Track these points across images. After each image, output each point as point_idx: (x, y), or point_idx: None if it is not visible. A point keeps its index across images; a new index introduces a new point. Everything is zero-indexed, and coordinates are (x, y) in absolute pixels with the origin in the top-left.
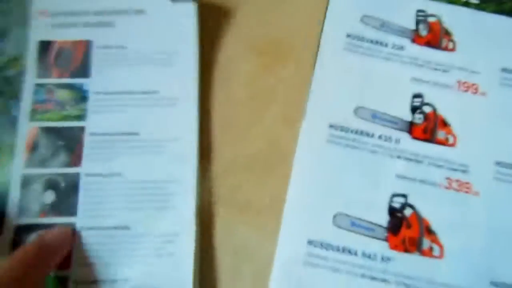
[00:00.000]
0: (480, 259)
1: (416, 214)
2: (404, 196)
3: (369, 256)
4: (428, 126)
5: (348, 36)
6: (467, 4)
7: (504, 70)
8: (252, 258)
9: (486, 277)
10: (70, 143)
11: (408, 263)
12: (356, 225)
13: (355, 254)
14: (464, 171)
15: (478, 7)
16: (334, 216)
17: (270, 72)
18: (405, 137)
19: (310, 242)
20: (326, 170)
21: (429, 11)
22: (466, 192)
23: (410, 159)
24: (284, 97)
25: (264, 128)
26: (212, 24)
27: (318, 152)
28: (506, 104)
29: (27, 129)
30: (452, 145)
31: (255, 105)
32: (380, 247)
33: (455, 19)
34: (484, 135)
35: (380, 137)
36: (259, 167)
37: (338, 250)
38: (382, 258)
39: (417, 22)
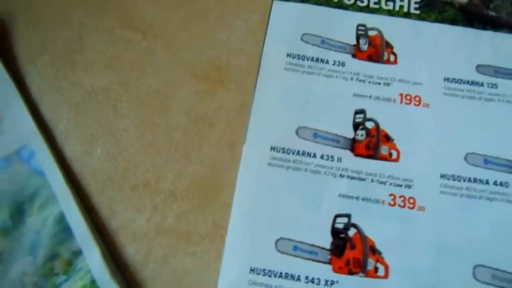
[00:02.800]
0: (427, 276)
1: (360, 233)
2: (347, 216)
3: (312, 281)
4: (371, 142)
5: (289, 55)
6: (408, 15)
7: (447, 79)
8: (195, 287)
9: None
10: None
11: (352, 286)
12: (299, 249)
13: (298, 279)
14: (408, 186)
15: (419, 17)
16: (277, 241)
17: (210, 96)
18: (347, 155)
19: (252, 270)
20: (267, 194)
21: (370, 25)
22: (411, 208)
23: (352, 177)
24: (226, 121)
25: (205, 153)
26: (150, 52)
27: (260, 176)
28: (450, 114)
29: None
30: (396, 160)
31: (195, 131)
32: (324, 271)
33: (396, 31)
34: (428, 147)
35: (322, 156)
36: (200, 194)
37: (281, 276)
38: (326, 282)
39: (358, 37)
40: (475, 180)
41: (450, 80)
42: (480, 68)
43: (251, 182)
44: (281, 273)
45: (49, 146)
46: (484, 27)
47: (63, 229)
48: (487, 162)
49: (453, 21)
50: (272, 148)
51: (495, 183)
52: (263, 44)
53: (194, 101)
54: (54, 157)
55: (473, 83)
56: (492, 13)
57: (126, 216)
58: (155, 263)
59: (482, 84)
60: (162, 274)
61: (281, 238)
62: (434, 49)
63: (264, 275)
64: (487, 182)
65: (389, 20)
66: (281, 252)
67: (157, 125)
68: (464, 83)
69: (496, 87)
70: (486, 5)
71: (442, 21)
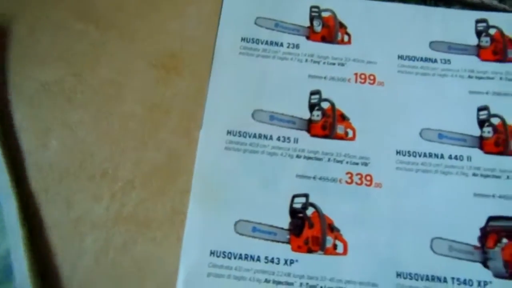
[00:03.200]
0: (385, 251)
1: (318, 212)
2: (305, 195)
3: (272, 261)
4: (326, 122)
5: (243, 39)
6: None
7: (401, 57)
8: (156, 273)
9: (391, 268)
10: None
11: (311, 264)
12: (258, 230)
13: (258, 260)
14: (365, 164)
15: None
16: (236, 224)
17: (166, 84)
18: (304, 135)
19: (212, 253)
20: (225, 178)
21: (323, 6)
22: (368, 185)
23: (309, 158)
24: (181, 108)
25: (162, 141)
26: (103, 42)
27: (217, 161)
28: (404, 91)
29: None
30: (352, 138)
31: (151, 119)
32: (283, 250)
33: (349, 11)
34: (384, 125)
35: (278, 138)
36: (159, 180)
37: (240, 257)
38: (286, 261)
39: (311, 19)
40: (430, 155)
41: (404, 57)
42: (433, 45)
43: (208, 166)
44: (240, 254)
45: (9, 171)
46: (436, 4)
47: (4, 269)
48: (442, 136)
49: (405, 0)
50: (229, 132)
51: (449, 157)
52: (217, 30)
53: (149, 89)
54: (12, 182)
55: (426, 59)
56: None
57: (85, 206)
58: (115, 251)
59: (435, 61)
60: (122, 262)
61: (240, 220)
62: (387, 28)
63: (224, 257)
64: (442, 156)
65: (342, 1)
66: (240, 234)
67: (112, 114)
68: (417, 60)
69: (450, 63)
70: None
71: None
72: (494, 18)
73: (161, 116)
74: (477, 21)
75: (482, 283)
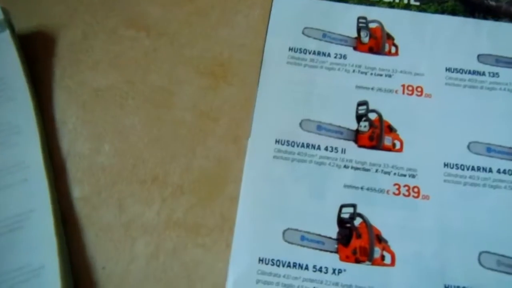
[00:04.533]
0: (432, 263)
1: (365, 223)
2: (353, 206)
3: (320, 270)
4: (374, 133)
5: (291, 49)
6: (408, 7)
7: (448, 69)
8: (205, 279)
9: (439, 281)
10: None
11: (359, 274)
12: (306, 239)
13: (306, 268)
14: (412, 176)
15: (419, 8)
16: (284, 232)
17: (214, 92)
18: (351, 146)
19: (261, 260)
20: (274, 186)
21: (370, 17)
22: (415, 197)
23: (357, 168)
24: (230, 116)
25: (210, 148)
26: (154, 49)
27: (265, 169)
28: (452, 104)
29: None
30: (399, 150)
31: (200, 126)
32: (331, 260)
33: (397, 23)
34: (431, 137)
35: (326, 148)
36: (208, 187)
37: (289, 265)
38: (334, 271)
39: (359, 29)
40: (478, 169)
41: (452, 70)
42: (481, 58)
43: (257, 174)
44: (289, 262)
45: (49, 181)
46: (484, 17)
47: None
48: (490, 150)
49: (453, 12)
50: (277, 141)
51: (498, 171)
52: (265, 39)
53: (198, 96)
54: (51, 194)
55: (474, 72)
56: (492, 3)
57: (136, 210)
58: (166, 255)
59: (483, 74)
60: (173, 266)
61: (288, 229)
62: (435, 40)
63: (272, 265)
64: (490, 170)
65: (390, 12)
66: (289, 242)
67: (162, 121)
68: (465, 72)
69: (498, 76)
70: None
71: (442, 12)
72: None
73: (210, 123)
74: None
75: None
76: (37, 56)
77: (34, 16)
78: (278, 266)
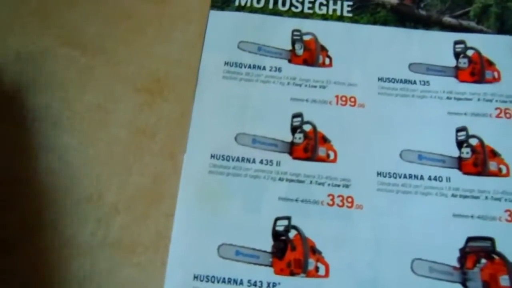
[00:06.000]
0: (367, 272)
1: (300, 235)
2: (287, 218)
3: (254, 284)
4: (308, 145)
5: (226, 63)
6: (341, 18)
7: (381, 79)
8: None
9: None
10: None
11: (294, 287)
12: (241, 254)
13: (241, 283)
14: (346, 186)
15: (352, 20)
16: (219, 247)
17: (150, 108)
18: (286, 158)
19: (196, 277)
20: (209, 202)
21: (304, 30)
22: (349, 207)
23: (292, 180)
24: (166, 132)
25: (146, 165)
26: (89, 68)
27: (201, 184)
28: (384, 113)
29: None
30: (333, 161)
31: (136, 143)
32: (266, 274)
33: (330, 34)
34: (365, 147)
35: (261, 161)
36: (143, 204)
37: (223, 281)
38: (268, 285)
39: (293, 42)
40: (410, 176)
41: (384, 79)
42: (412, 67)
43: (192, 190)
44: (224, 278)
45: None
46: (415, 26)
47: None
48: (422, 157)
49: (385, 22)
50: (212, 156)
51: (429, 178)
52: (201, 54)
53: (134, 113)
54: None
55: (406, 81)
56: (423, 12)
57: (70, 232)
58: (100, 277)
59: (414, 82)
60: (107, 287)
61: (223, 244)
62: (368, 50)
63: (207, 281)
64: (421, 178)
65: (323, 24)
66: (224, 258)
67: (98, 139)
68: (397, 82)
69: (429, 84)
70: (417, 4)
71: (374, 22)
72: (472, 40)
73: (146, 140)
74: (455, 43)
75: None
76: None
77: None
78: (213, 282)
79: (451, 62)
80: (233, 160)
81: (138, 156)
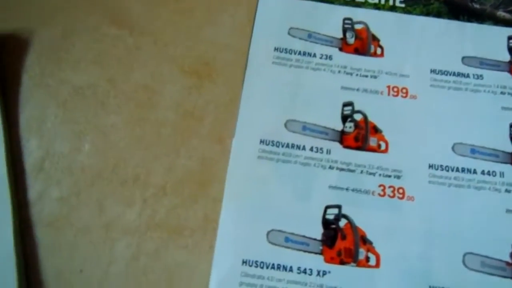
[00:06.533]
0: (418, 264)
1: (350, 224)
2: (338, 207)
3: (304, 271)
4: (359, 134)
5: (276, 49)
6: (393, 8)
7: (433, 71)
8: (187, 281)
9: (424, 282)
10: None
11: (344, 275)
12: (291, 241)
13: (291, 270)
14: (397, 177)
15: (404, 10)
16: (268, 233)
17: (199, 91)
18: (336, 147)
19: (245, 262)
20: (258, 187)
21: (356, 19)
22: (400, 198)
23: (342, 169)
24: (214, 115)
25: (194, 148)
26: (137, 48)
27: (250, 169)
28: (437, 105)
29: None
30: (384, 151)
31: (184, 126)
32: (316, 261)
33: (382, 24)
34: (416, 138)
35: (311, 149)
36: (191, 187)
37: (273, 267)
38: (318, 273)
39: (344, 30)
40: (462, 170)
41: (437, 72)
42: (465, 60)
43: (241, 175)
44: (273, 264)
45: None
46: (468, 20)
47: None
48: (474, 151)
49: (438, 14)
50: (262, 141)
51: (482, 172)
52: (250, 38)
53: (182, 96)
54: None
55: (459, 74)
56: (476, 6)
57: (116, 210)
58: (147, 257)
59: (468, 76)
60: (154, 268)
61: (272, 230)
62: (420, 42)
63: (256, 266)
64: (474, 172)
65: (375, 14)
66: (273, 244)
67: (145, 120)
68: (450, 74)
69: (482, 78)
70: None
71: (427, 14)
72: None
73: (194, 123)
74: (509, 38)
75: None
76: (15, 56)
77: (11, 16)
78: (262, 268)
79: (505, 57)
80: (282, 146)
81: (186, 139)
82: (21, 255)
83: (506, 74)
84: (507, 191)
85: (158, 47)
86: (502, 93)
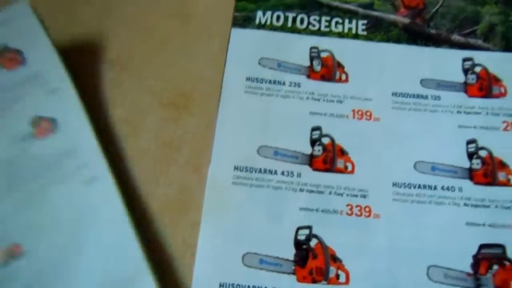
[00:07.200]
0: (384, 279)
1: (321, 243)
2: (309, 227)
3: None
4: (327, 157)
5: (248, 79)
6: (356, 36)
7: (394, 94)
8: None
9: None
10: None
11: None
12: (265, 262)
13: None
14: (363, 196)
15: (366, 38)
16: (243, 256)
17: (176, 122)
18: (306, 170)
19: (221, 285)
20: (233, 212)
21: (322, 47)
22: (367, 216)
23: (312, 191)
24: (191, 145)
25: (173, 176)
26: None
27: (225, 195)
28: (399, 126)
29: None
30: (351, 172)
31: (163, 155)
32: (289, 281)
33: (346, 51)
34: (380, 158)
35: (282, 173)
36: (170, 215)
37: None
38: None
39: (311, 59)
40: (424, 186)
41: (398, 94)
42: (424, 82)
43: (217, 200)
44: (248, 286)
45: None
46: (426, 44)
47: None
48: (434, 169)
49: (397, 40)
50: (236, 168)
51: (442, 188)
52: (224, 69)
53: (161, 127)
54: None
55: (418, 96)
56: (433, 31)
57: None
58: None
59: (426, 97)
60: None
61: (247, 253)
62: (382, 67)
63: None
64: (435, 188)
65: (339, 42)
66: (248, 266)
67: (125, 151)
68: (410, 96)
69: (439, 99)
70: (427, 23)
71: (387, 40)
72: (479, 57)
73: (172, 153)
74: (464, 60)
75: None
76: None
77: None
78: None
79: (460, 78)
80: (256, 171)
81: (164, 168)
82: None
83: (462, 94)
84: (465, 205)
85: (138, 81)
86: (458, 112)
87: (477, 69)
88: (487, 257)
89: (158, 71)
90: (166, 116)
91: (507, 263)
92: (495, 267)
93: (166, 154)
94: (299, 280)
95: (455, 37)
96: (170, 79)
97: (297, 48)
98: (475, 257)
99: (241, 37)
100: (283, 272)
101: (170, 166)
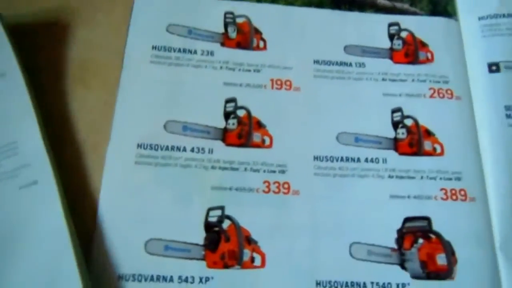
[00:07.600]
0: (304, 260)
1: (234, 225)
2: (221, 208)
3: (186, 280)
4: (242, 131)
5: (154, 48)
6: (275, 1)
7: (316, 61)
8: None
9: (310, 278)
10: None
11: (228, 280)
12: (171, 249)
13: (171, 280)
14: (282, 172)
15: (286, 2)
16: (146, 243)
17: (72, 96)
18: (219, 145)
19: (121, 277)
20: (135, 195)
21: (238, 12)
22: (286, 193)
23: (225, 168)
24: (88, 122)
25: (67, 158)
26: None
27: (126, 176)
28: (320, 96)
29: None
30: (269, 146)
31: (56, 135)
32: (198, 268)
33: (264, 17)
34: (301, 131)
35: (192, 149)
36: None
37: (152, 279)
38: (200, 279)
39: (226, 25)
40: (347, 159)
41: (320, 62)
42: (347, 49)
43: (117, 183)
44: (152, 276)
45: None
46: (350, 9)
47: None
48: (358, 140)
49: (320, 4)
50: (139, 146)
51: (366, 160)
52: (126, 38)
53: (54, 103)
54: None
55: (342, 63)
56: None
57: None
58: None
59: (350, 64)
60: None
61: (150, 239)
62: (302, 33)
63: (133, 280)
64: (358, 160)
65: (257, 7)
66: (151, 254)
67: None
68: (333, 64)
69: (364, 66)
70: None
71: (309, 5)
72: (406, 22)
73: (66, 131)
74: (390, 25)
75: (400, 285)
76: None
77: None
78: (140, 281)
79: (386, 44)
80: (162, 149)
81: (58, 148)
82: None
83: (387, 60)
84: (390, 176)
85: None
86: (383, 79)
87: (403, 34)
88: (412, 230)
89: (54, 39)
90: (59, 89)
91: (433, 236)
92: (420, 241)
93: (58, 134)
94: (209, 265)
95: (381, 1)
96: (70, 49)
97: (211, 14)
98: (399, 231)
99: (147, 1)
100: (192, 258)
101: (64, 147)
